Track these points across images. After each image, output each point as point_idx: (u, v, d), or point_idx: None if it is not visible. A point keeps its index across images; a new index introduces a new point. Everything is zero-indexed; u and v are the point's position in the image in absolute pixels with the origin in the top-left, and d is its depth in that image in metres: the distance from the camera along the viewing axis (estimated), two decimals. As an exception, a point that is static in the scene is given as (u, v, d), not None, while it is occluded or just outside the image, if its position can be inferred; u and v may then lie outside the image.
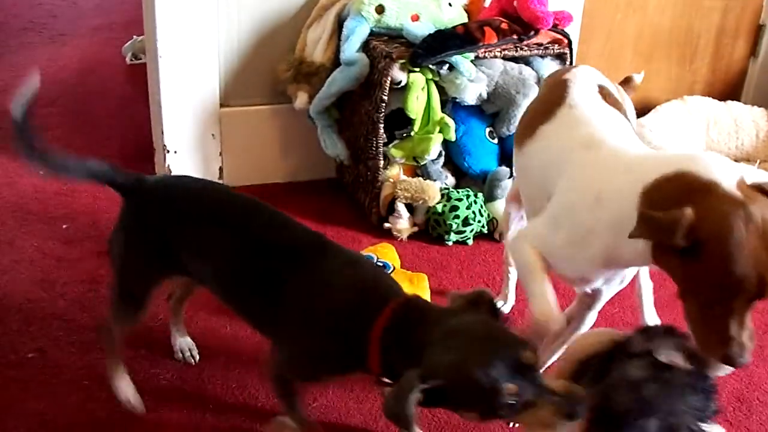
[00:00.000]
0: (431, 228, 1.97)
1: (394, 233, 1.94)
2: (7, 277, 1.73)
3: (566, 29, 2.00)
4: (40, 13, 4.79)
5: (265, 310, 1.16)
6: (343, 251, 1.17)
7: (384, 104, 1.88)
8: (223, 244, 1.19)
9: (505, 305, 1.67)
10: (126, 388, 1.37)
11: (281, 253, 1.14)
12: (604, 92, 1.33)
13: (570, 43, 2.00)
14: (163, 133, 2.10)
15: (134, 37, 3.56)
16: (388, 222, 1.95)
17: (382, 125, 1.91)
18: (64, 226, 1.98)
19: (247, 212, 1.23)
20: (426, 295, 1.59)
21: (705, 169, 1.04)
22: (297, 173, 2.25)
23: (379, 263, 1.59)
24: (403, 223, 1.94)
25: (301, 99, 2.06)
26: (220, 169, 2.18)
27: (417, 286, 1.58)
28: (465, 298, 1.05)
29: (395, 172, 1.98)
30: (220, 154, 2.16)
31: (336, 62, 2.04)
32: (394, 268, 1.62)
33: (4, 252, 1.83)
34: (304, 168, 2.25)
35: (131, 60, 3.55)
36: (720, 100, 2.54)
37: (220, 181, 2.18)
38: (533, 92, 1.94)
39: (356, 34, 1.95)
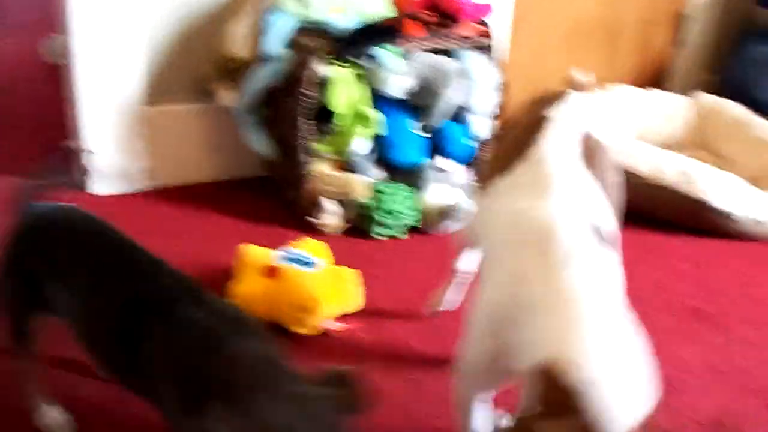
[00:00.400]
0: (361, 223, 1.96)
1: (321, 228, 1.93)
2: None
3: (486, 19, 2.01)
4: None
5: (126, 364, 1.08)
6: (213, 302, 1.06)
7: (307, 99, 1.87)
8: (88, 289, 1.12)
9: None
10: (49, 414, 1.28)
11: (147, 304, 1.07)
12: (589, 145, 1.12)
13: (489, 34, 2.02)
14: (83, 134, 2.05)
15: (52, 35, 3.48)
16: (313, 217, 1.93)
17: (305, 120, 1.89)
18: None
19: (120, 257, 1.15)
20: (356, 292, 1.57)
21: None
22: (225, 171, 2.23)
23: (302, 258, 1.57)
24: (329, 218, 1.93)
25: (227, 96, 2.04)
26: (146, 169, 2.14)
27: (347, 282, 1.57)
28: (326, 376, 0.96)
29: (323, 167, 1.97)
30: (146, 154, 2.12)
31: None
32: (324, 265, 1.60)
33: None
34: (232, 166, 2.23)
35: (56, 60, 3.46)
36: (645, 88, 2.58)
37: (148, 181, 2.13)
38: (457, 84, 1.93)
39: (276, 27, 1.93)
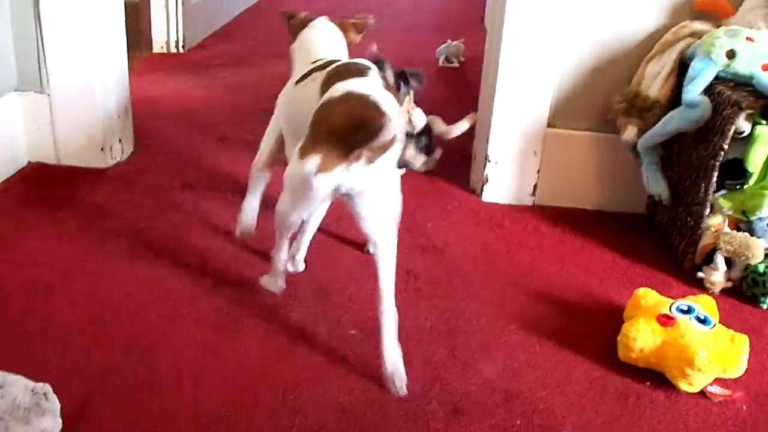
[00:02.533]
0: (747, 287, 1.92)
1: (707, 285, 1.91)
2: (332, 254, 1.89)
3: None
4: (360, 9, 5.14)
5: None
6: None
7: (721, 151, 1.86)
8: None
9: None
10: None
11: None
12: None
13: None
14: (487, 142, 2.21)
15: (448, 41, 3.75)
16: (701, 272, 1.92)
17: (716, 173, 1.88)
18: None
19: None
20: (743, 359, 1.56)
21: None
22: (607, 203, 2.27)
23: (699, 315, 1.58)
24: (718, 276, 1.91)
25: (630, 132, 2.08)
26: (535, 186, 2.25)
27: (737, 347, 1.56)
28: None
29: (718, 221, 1.95)
30: (538, 171, 2.23)
31: (671, 100, 2.03)
32: (715, 324, 1.60)
33: (330, 230, 2.01)
34: (615, 199, 2.26)
35: (443, 63, 3.74)
36: None
37: (532, 198, 2.24)
38: None
39: (702, 76, 1.94)
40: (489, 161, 2.21)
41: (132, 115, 2.46)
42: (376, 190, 1.38)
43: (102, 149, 2.28)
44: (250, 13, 4.87)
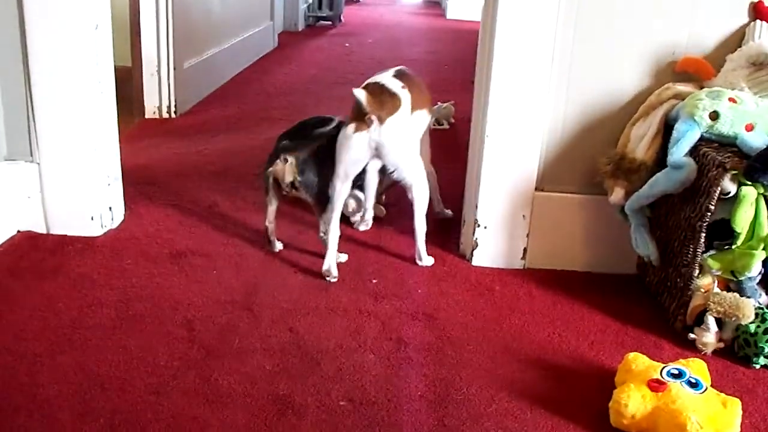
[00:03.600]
0: (738, 347, 1.91)
1: (698, 346, 1.91)
2: (322, 323, 1.90)
3: None
4: (350, 69, 5.25)
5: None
6: None
7: (707, 212, 1.87)
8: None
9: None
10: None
11: None
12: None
13: None
14: (477, 207, 2.22)
15: (438, 103, 3.80)
16: (693, 333, 1.92)
17: (700, 233, 1.89)
18: (373, 281, 2.13)
19: None
20: (737, 423, 1.55)
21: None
22: (598, 264, 2.28)
23: (691, 379, 1.58)
24: (709, 337, 1.91)
25: (617, 194, 2.09)
26: (524, 249, 2.26)
27: (729, 411, 1.55)
28: None
29: (708, 282, 1.96)
30: (527, 235, 2.24)
31: (658, 161, 2.06)
32: (707, 388, 1.59)
33: (320, 300, 2.01)
34: (605, 260, 2.27)
35: (433, 125, 3.79)
36: None
37: (522, 261, 2.24)
38: None
39: (686, 138, 1.96)
40: (478, 225, 2.23)
41: (123, 181, 2.46)
42: (393, 142, 2.02)
43: (92, 218, 2.28)
44: (240, 78, 4.93)
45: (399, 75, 2.13)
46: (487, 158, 2.17)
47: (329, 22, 8.15)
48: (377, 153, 2.03)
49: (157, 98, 3.83)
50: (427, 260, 2.22)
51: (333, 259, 2.12)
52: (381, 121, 1.98)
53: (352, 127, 1.99)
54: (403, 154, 2.06)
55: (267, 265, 2.19)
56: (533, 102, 2.12)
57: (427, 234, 2.31)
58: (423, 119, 2.22)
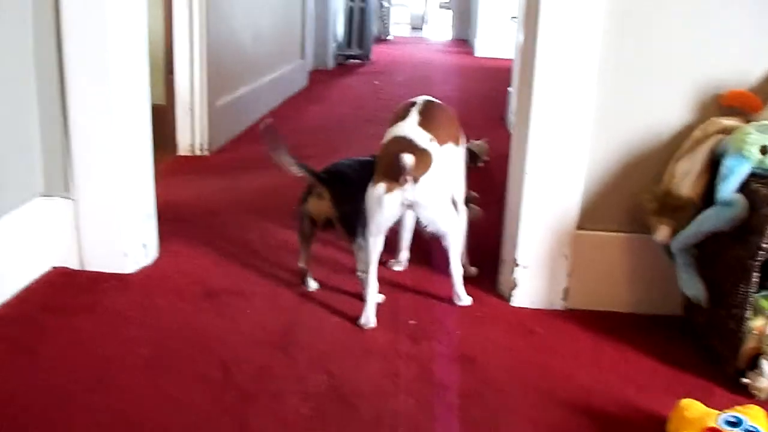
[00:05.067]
0: (794, 393, 1.82)
1: (752, 391, 1.83)
2: (359, 366, 1.86)
3: None
4: (380, 106, 5.25)
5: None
6: None
7: (761, 251, 1.79)
8: None
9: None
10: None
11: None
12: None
13: None
14: (516, 246, 2.16)
15: (471, 140, 3.76)
16: (746, 377, 1.84)
17: (754, 273, 1.81)
18: (411, 322, 2.08)
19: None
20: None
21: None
22: (642, 305, 2.21)
23: (749, 427, 1.49)
24: (763, 381, 1.82)
25: (662, 232, 2.03)
26: (566, 290, 2.19)
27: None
28: None
29: (761, 323, 1.88)
30: (569, 275, 2.17)
31: (704, 198, 1.99)
32: (765, 437, 1.51)
33: (356, 341, 1.96)
34: (650, 301, 2.20)
35: (469, 164, 3.73)
36: None
37: (563, 302, 2.17)
38: None
39: (736, 174, 1.90)
40: (518, 265, 2.17)
41: (157, 218, 2.44)
42: (427, 200, 1.97)
43: (125, 254, 2.25)
44: (272, 116, 4.94)
45: (424, 116, 2.07)
46: (527, 196, 2.12)
47: (359, 61, 8.19)
48: (411, 209, 2.00)
49: (190, 136, 3.84)
50: (465, 299, 2.19)
51: (371, 312, 2.05)
52: (415, 180, 1.93)
53: (383, 186, 1.93)
54: (438, 210, 2.02)
55: (302, 305, 2.14)
56: (574, 137, 2.08)
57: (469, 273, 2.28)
58: (453, 152, 2.17)
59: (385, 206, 1.94)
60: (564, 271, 2.18)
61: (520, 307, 2.23)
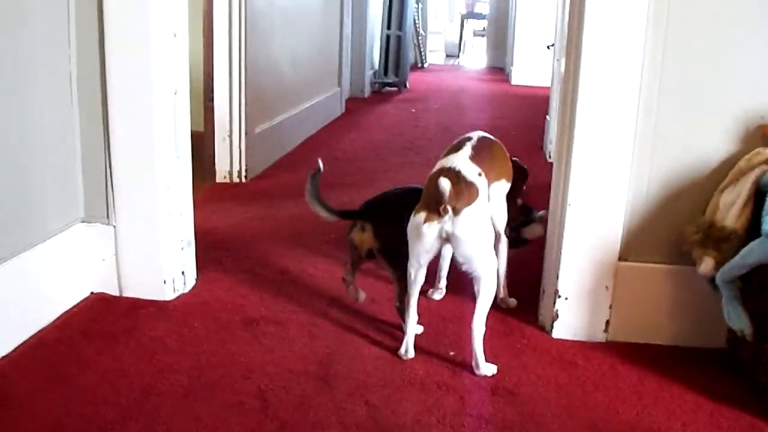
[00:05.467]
0: None
1: (801, 428, 1.77)
2: (399, 397, 1.85)
3: None
4: (417, 134, 5.25)
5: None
6: None
7: (808, 286, 1.75)
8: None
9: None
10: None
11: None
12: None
13: None
14: (557, 277, 2.13)
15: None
16: (795, 415, 1.79)
17: (802, 308, 1.77)
18: (451, 353, 2.05)
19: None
20: None
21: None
22: (684, 338, 2.17)
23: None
24: (813, 419, 1.77)
25: (707, 264, 1.99)
26: (607, 322, 2.16)
27: None
28: None
29: (809, 360, 1.82)
30: (610, 306, 2.14)
31: (750, 230, 1.95)
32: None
33: (396, 372, 1.95)
34: (693, 334, 2.16)
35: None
36: None
37: (605, 334, 2.14)
38: None
39: (779, 205, 1.86)
40: (559, 296, 2.15)
41: (195, 245, 2.45)
42: (467, 235, 1.88)
43: (164, 281, 2.26)
44: (309, 143, 4.96)
45: (477, 151, 2.00)
46: (569, 227, 2.10)
47: (395, 88, 8.22)
48: (449, 242, 1.90)
49: (229, 163, 3.86)
50: (486, 368, 1.97)
51: (410, 343, 2.03)
52: (456, 212, 1.85)
53: (422, 216, 1.87)
54: (477, 248, 1.90)
55: (341, 335, 2.13)
56: (617, 168, 2.06)
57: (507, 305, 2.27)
58: (501, 189, 2.16)
59: (424, 236, 1.87)
60: (606, 303, 2.16)
61: (561, 339, 2.20)
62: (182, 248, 2.34)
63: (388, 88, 8.27)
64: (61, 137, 2.19)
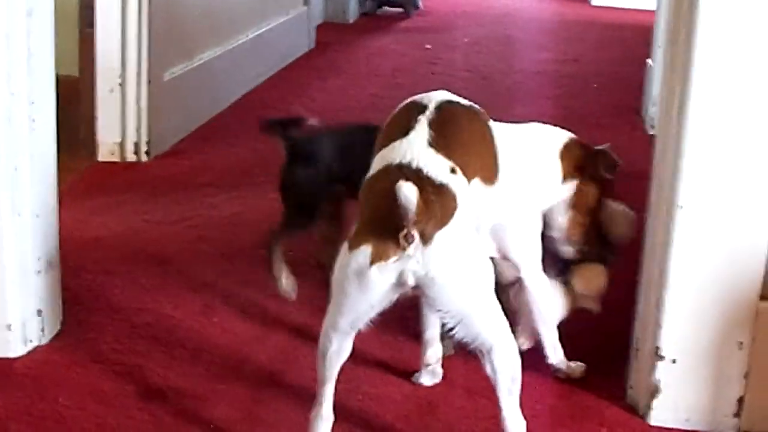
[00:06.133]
0: None
1: None
2: None
3: None
4: (432, 86, 5.28)
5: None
6: None
7: None
8: None
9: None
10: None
11: None
12: None
13: None
14: (660, 329, 2.15)
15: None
16: None
17: None
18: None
19: None
20: None
21: None
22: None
23: None
24: None
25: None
26: (740, 400, 2.17)
27: None
28: None
29: None
30: (745, 376, 2.15)
31: None
32: None
33: None
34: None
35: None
36: None
37: (736, 420, 2.17)
38: None
39: None
40: (661, 358, 2.15)
41: (61, 268, 2.46)
42: (447, 276, 1.73)
43: (9, 327, 2.28)
44: (253, 98, 4.96)
45: (440, 130, 1.89)
46: (679, 246, 2.10)
47: (399, 9, 8.24)
48: (418, 291, 1.77)
49: (120, 130, 3.86)
50: None
51: None
52: (425, 238, 1.70)
53: (367, 251, 1.72)
54: (469, 295, 1.80)
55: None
56: (760, 148, 2.05)
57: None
58: (494, 192, 2.04)
59: (371, 285, 1.73)
60: (738, 370, 2.16)
61: (663, 428, 2.21)
62: (38, 271, 2.35)
63: (387, 9, 8.30)
64: None
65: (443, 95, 1.99)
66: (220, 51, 4.63)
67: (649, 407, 2.21)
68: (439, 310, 1.82)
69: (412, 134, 1.86)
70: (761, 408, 2.18)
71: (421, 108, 1.93)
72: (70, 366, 2.30)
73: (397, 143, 1.85)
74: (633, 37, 5.88)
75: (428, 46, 6.56)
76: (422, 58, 6.13)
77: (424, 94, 1.99)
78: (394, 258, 1.70)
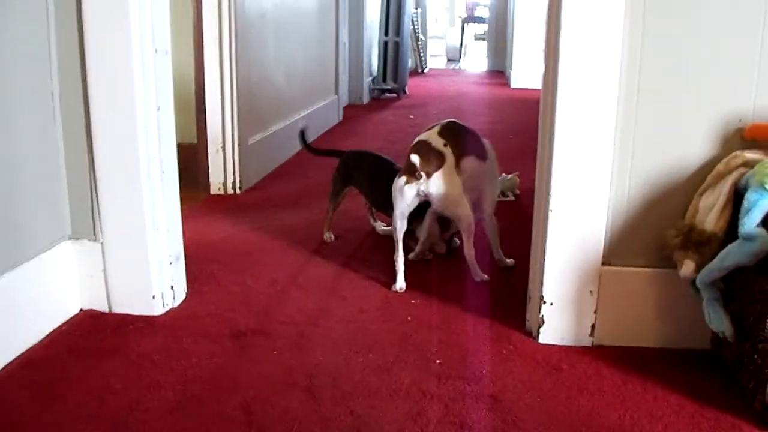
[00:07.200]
0: (827, 430, 1.81)
1: (784, 429, 1.81)
2: (384, 406, 1.88)
3: None
4: (412, 139, 5.27)
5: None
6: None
7: (786, 286, 1.78)
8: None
9: None
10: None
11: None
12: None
13: None
14: (542, 284, 2.17)
15: (503, 174, 3.77)
16: (775, 414, 1.83)
17: (780, 308, 1.80)
18: (437, 361, 2.08)
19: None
20: None
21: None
22: (669, 340, 2.20)
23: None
24: (793, 418, 1.81)
25: (687, 267, 2.02)
26: (593, 326, 2.20)
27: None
28: None
29: (789, 360, 1.85)
30: (595, 311, 2.17)
31: (728, 233, 1.98)
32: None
33: (381, 381, 1.98)
34: (677, 336, 2.19)
35: (498, 196, 3.74)
36: None
37: (590, 338, 2.17)
38: None
39: (758, 207, 1.89)
40: (544, 302, 2.18)
41: (186, 258, 2.49)
42: (439, 192, 2.47)
43: (153, 296, 2.30)
44: (304, 153, 4.95)
45: (445, 130, 2.55)
46: (552, 233, 2.13)
47: (394, 95, 8.25)
48: (426, 199, 2.48)
49: (222, 174, 3.90)
50: (481, 276, 2.61)
51: (401, 280, 2.56)
52: (428, 175, 2.44)
53: (403, 179, 2.46)
54: (449, 199, 2.48)
55: (328, 346, 2.17)
56: (598, 172, 2.10)
57: (492, 310, 2.35)
58: (472, 166, 2.59)
59: (405, 194, 2.47)
60: (591, 308, 2.19)
61: (547, 344, 2.22)
62: (170, 263, 2.38)
63: (387, 95, 8.30)
64: (44, 155, 2.22)
65: (452, 119, 2.64)
66: (284, 124, 4.66)
67: (538, 332, 2.25)
68: (435, 206, 2.53)
69: (432, 130, 2.57)
70: (606, 330, 2.23)
71: (441, 122, 2.62)
72: (190, 319, 2.34)
73: (424, 132, 2.56)
74: (536, 106, 5.86)
75: (411, 116, 6.60)
76: (407, 123, 6.19)
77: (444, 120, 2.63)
78: (414, 183, 2.46)
